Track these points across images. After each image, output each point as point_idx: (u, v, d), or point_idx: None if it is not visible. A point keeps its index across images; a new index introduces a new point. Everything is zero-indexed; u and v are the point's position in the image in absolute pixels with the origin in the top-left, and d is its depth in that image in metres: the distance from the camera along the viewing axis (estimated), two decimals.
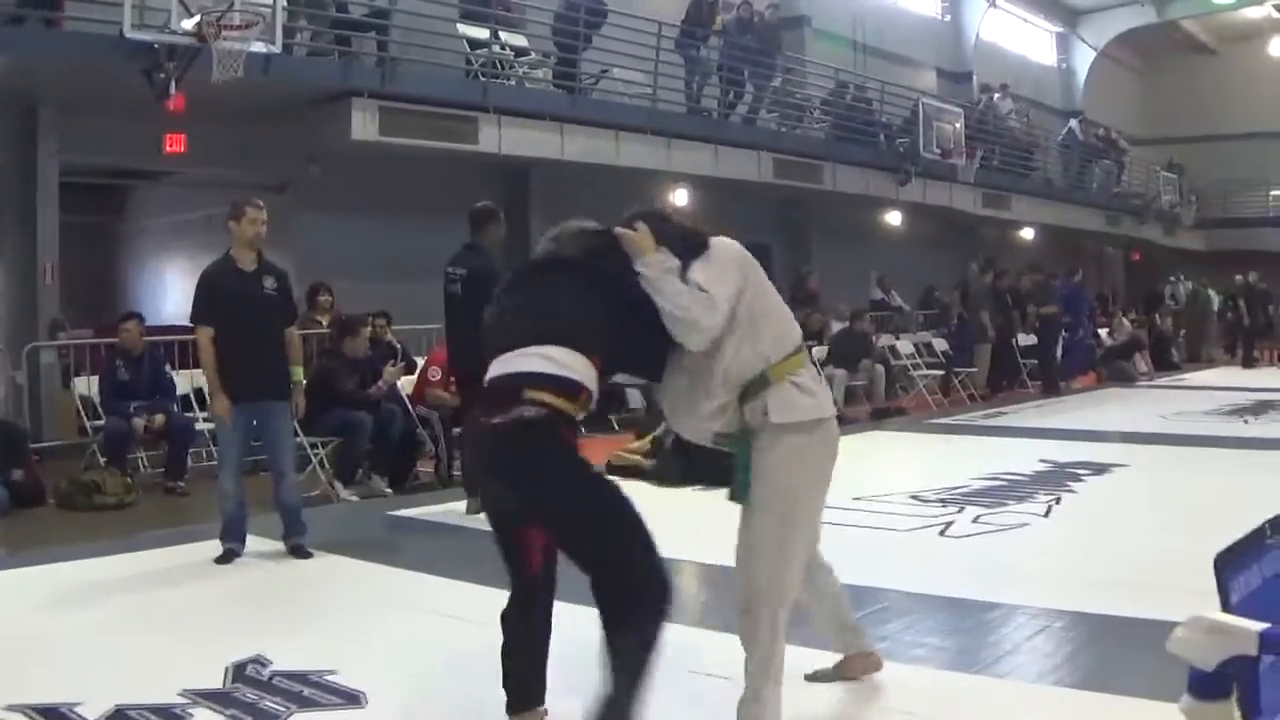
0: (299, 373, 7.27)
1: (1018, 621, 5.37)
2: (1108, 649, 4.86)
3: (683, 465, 9.26)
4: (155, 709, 4.28)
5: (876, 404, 15.88)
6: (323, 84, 12.56)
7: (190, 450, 10.18)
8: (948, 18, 26.47)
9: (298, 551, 7.03)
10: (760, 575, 3.77)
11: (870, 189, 19.93)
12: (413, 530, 8.23)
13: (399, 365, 10.54)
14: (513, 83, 14.57)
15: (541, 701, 3.89)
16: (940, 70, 25.75)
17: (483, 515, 8.04)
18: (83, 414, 10.29)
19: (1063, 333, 18.50)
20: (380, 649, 5.10)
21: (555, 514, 3.57)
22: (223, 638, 5.19)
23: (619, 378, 4.15)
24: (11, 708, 4.25)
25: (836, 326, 16.58)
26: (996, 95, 24.89)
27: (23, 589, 6.36)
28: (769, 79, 18.56)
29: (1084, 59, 31.09)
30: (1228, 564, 2.55)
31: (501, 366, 3.64)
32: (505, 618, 3.84)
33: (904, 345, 17.79)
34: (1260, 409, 14.90)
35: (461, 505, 8.44)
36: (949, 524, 7.70)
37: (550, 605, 3.84)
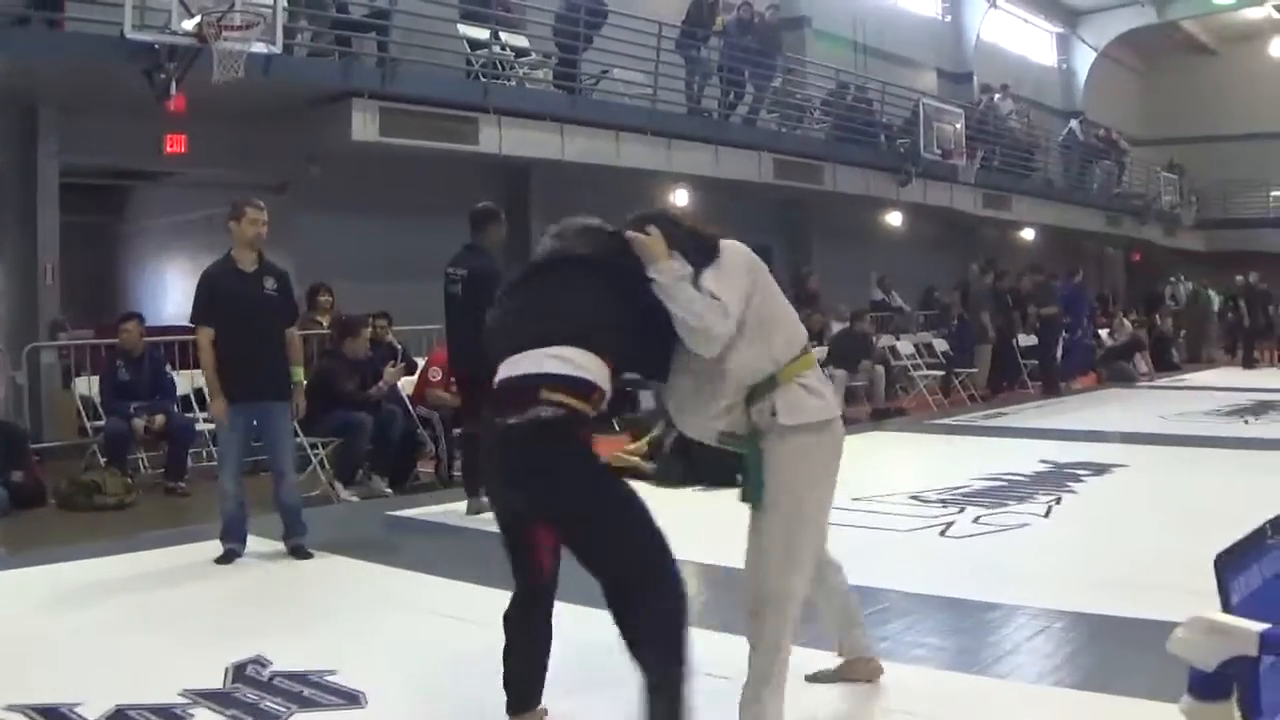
0: (299, 373, 7.27)
1: (1018, 622, 5.37)
2: (1108, 649, 4.86)
3: (683, 466, 9.28)
4: (155, 709, 4.28)
5: (877, 404, 15.88)
6: (323, 84, 12.56)
7: (190, 450, 10.19)
8: (948, 18, 26.47)
9: (298, 552, 7.03)
10: (769, 577, 3.78)
11: (871, 189, 19.94)
12: (413, 531, 8.23)
13: (399, 366, 10.54)
14: (513, 83, 14.57)
15: (540, 701, 3.89)
16: (941, 71, 25.75)
17: (484, 516, 8.06)
18: (83, 414, 10.29)
19: (1063, 333, 18.50)
20: (380, 649, 5.10)
21: (571, 515, 3.55)
22: (223, 638, 5.19)
23: (630, 377, 4.15)
24: (12, 708, 4.25)
25: (837, 327, 16.59)
26: (997, 96, 24.89)
27: (23, 589, 6.36)
28: (769, 79, 18.56)
29: (1084, 59, 31.09)
30: (1228, 564, 2.55)
31: (514, 367, 3.62)
32: (508, 619, 3.83)
33: (904, 346, 17.79)
34: (1260, 409, 14.90)
35: (462, 506, 8.44)
36: (949, 524, 7.70)
37: (551, 606, 3.84)
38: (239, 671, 4.70)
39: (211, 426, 8.36)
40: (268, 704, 4.35)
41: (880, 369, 16.30)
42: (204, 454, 10.32)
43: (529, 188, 15.46)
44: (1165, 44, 32.55)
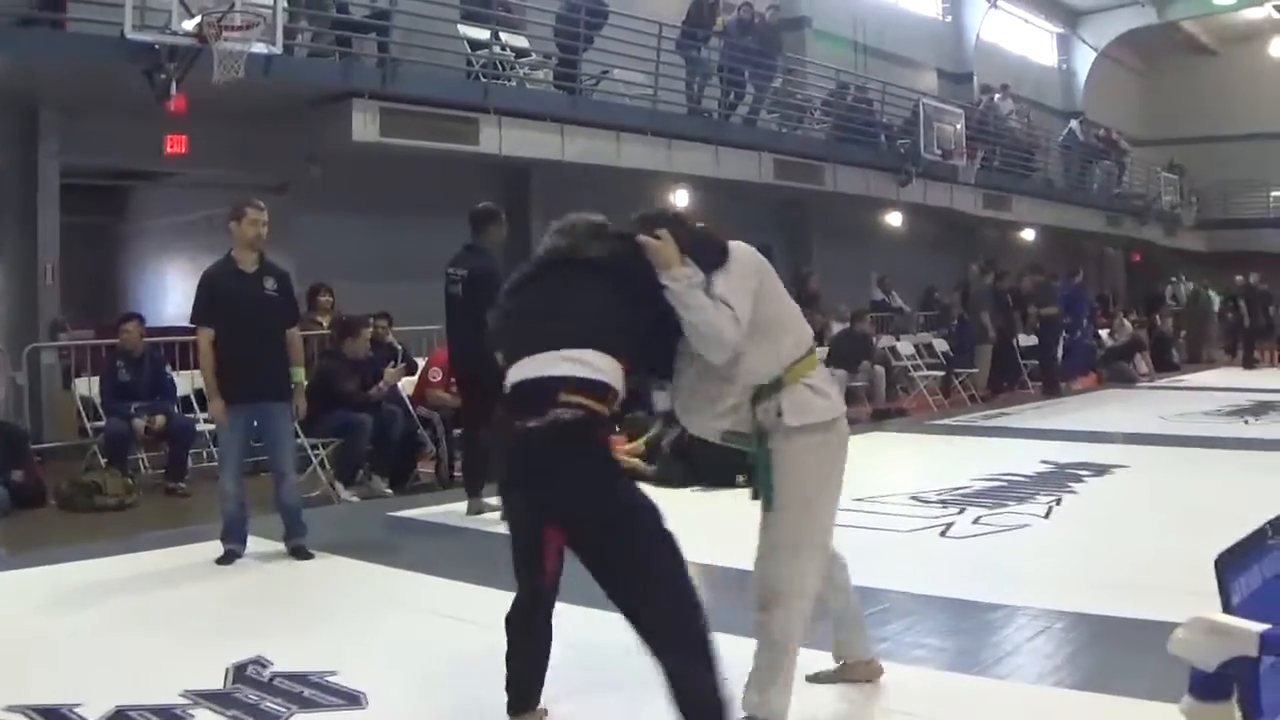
0: (300, 374, 7.26)
1: (1018, 622, 5.37)
2: (1108, 650, 4.86)
3: (683, 467, 9.31)
4: (156, 710, 4.28)
5: (877, 405, 15.88)
6: (323, 85, 12.56)
7: (191, 451, 10.20)
8: (948, 18, 26.48)
9: (298, 552, 7.03)
10: (777, 574, 3.82)
11: (871, 190, 19.94)
12: (413, 531, 8.23)
13: (400, 366, 10.55)
14: (513, 84, 14.57)
15: (540, 701, 3.89)
16: (941, 71, 25.75)
17: (484, 516, 8.07)
18: (83, 415, 10.29)
19: (1063, 334, 18.50)
20: (381, 650, 5.10)
21: (587, 516, 3.53)
22: (223, 639, 5.19)
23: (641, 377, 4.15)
24: (12, 709, 4.25)
25: (837, 327, 16.59)
26: (997, 96, 24.89)
27: (23, 590, 6.36)
28: (769, 80, 18.56)
29: (1084, 60, 31.09)
30: (1228, 565, 2.55)
31: (530, 369, 3.60)
32: (510, 622, 3.83)
33: (904, 346, 17.80)
34: (1261, 410, 14.90)
35: (462, 506, 8.45)
36: (950, 525, 7.70)
37: (553, 608, 3.84)
38: (239, 672, 4.70)
39: (212, 427, 8.35)
40: (268, 704, 4.35)
41: (880, 369, 16.31)
42: (204, 454, 10.32)
43: (529, 188, 15.45)
44: (1165, 44, 32.54)
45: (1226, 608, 2.49)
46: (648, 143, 15.63)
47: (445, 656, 4.97)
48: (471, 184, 13.50)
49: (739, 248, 3.90)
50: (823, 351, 14.83)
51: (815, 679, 4.38)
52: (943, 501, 8.52)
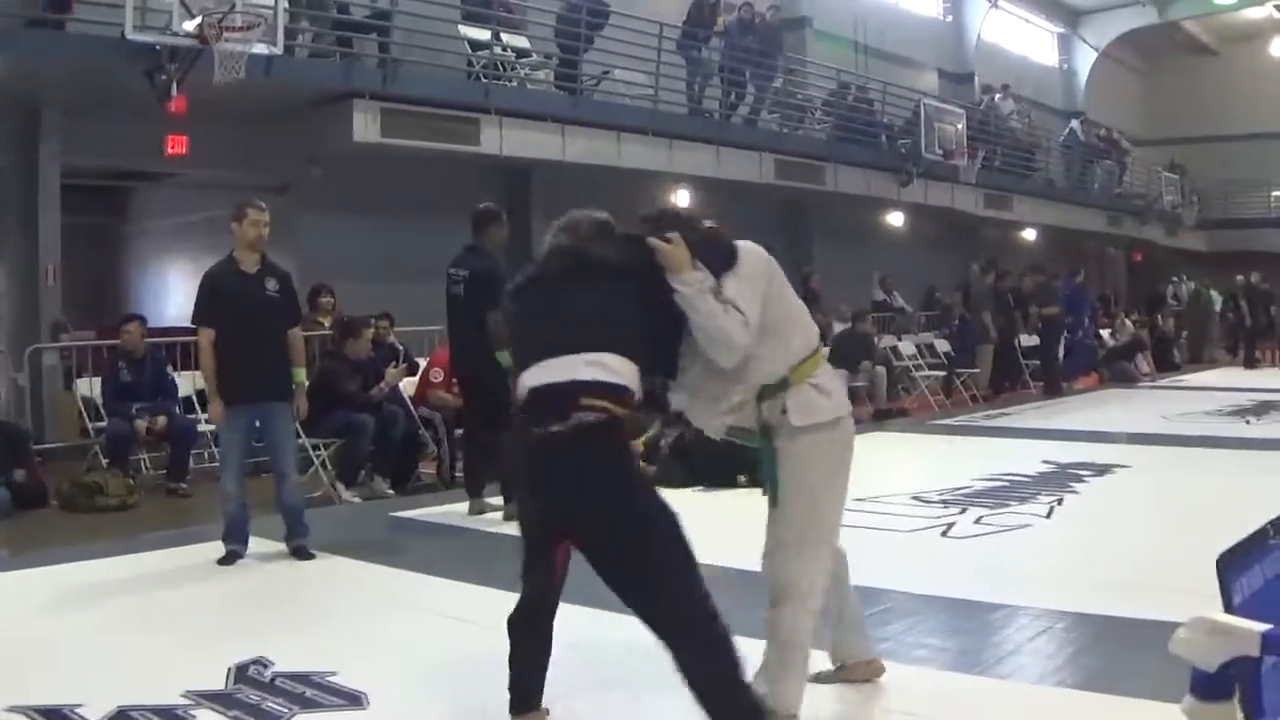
0: (301, 374, 7.25)
1: (1020, 622, 5.37)
2: (1110, 650, 4.86)
3: (683, 468, 9.31)
4: (157, 710, 4.28)
5: (878, 405, 15.87)
6: (324, 85, 12.57)
7: (192, 452, 10.21)
8: (949, 18, 26.48)
9: (300, 553, 7.03)
10: (785, 571, 3.84)
11: (872, 190, 19.95)
12: (415, 531, 8.23)
13: (401, 367, 10.55)
14: (514, 84, 14.57)
15: (541, 702, 3.89)
16: (942, 71, 25.76)
17: (486, 516, 8.07)
18: (85, 415, 10.29)
19: (1065, 333, 18.50)
20: (382, 650, 5.10)
21: (610, 521, 3.50)
22: (225, 639, 5.19)
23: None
24: (13, 709, 4.25)
25: (838, 327, 16.58)
26: (998, 96, 24.89)
27: (25, 590, 6.36)
28: (770, 80, 18.57)
29: (1085, 59, 31.09)
30: (1230, 565, 2.55)
31: (549, 373, 3.58)
32: (514, 625, 3.82)
33: (906, 346, 17.81)
34: (1262, 410, 14.88)
35: (464, 506, 8.46)
36: (951, 525, 7.70)
37: (556, 609, 3.84)
38: (241, 672, 4.70)
39: (213, 427, 8.36)
40: (269, 705, 4.35)
41: (882, 369, 16.30)
42: (206, 455, 10.33)
43: (530, 188, 15.45)
44: (1166, 44, 32.55)
45: (1228, 608, 2.49)
46: (649, 143, 15.63)
47: (447, 657, 4.96)
48: (472, 184, 13.49)
49: (747, 248, 3.90)
50: (824, 352, 14.87)
51: (816, 679, 4.38)
52: (944, 501, 8.52)
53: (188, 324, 7.69)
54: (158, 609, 5.97)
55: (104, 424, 9.93)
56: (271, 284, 7.05)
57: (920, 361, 17.63)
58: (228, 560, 6.88)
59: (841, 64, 20.87)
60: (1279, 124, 30.16)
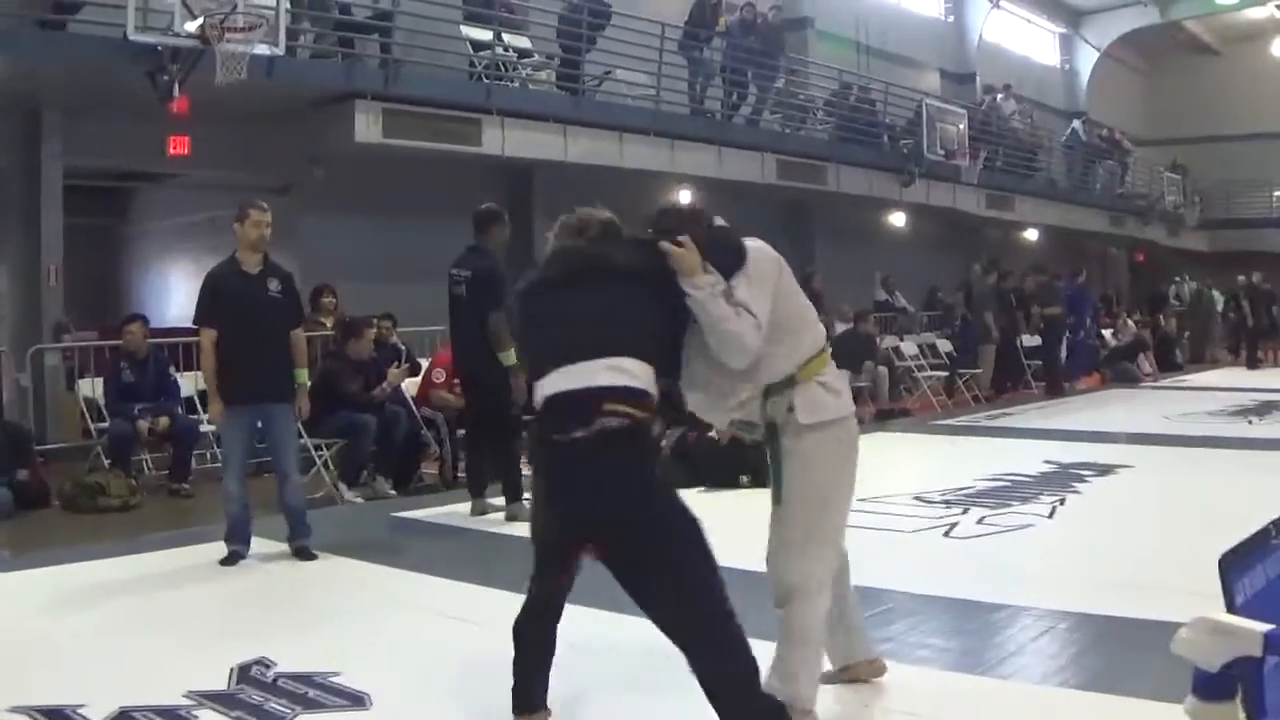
0: (303, 375, 7.26)
1: (1022, 623, 5.37)
2: (1112, 650, 4.85)
3: (685, 469, 9.32)
4: (160, 710, 4.28)
5: (881, 405, 15.87)
6: (326, 86, 12.57)
7: (195, 452, 10.23)
8: (951, 19, 26.48)
9: (302, 553, 7.03)
10: (791, 571, 3.85)
11: (874, 190, 19.94)
12: (417, 532, 8.22)
13: (403, 367, 10.55)
14: (516, 84, 14.57)
15: (545, 704, 3.89)
16: (943, 71, 25.76)
17: (488, 517, 8.07)
18: (87, 416, 10.30)
19: (1067, 334, 18.49)
20: (385, 650, 5.10)
21: (633, 526, 3.47)
22: (227, 639, 5.19)
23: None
24: (16, 709, 4.25)
25: (840, 328, 16.56)
26: (1000, 96, 24.88)
27: (27, 591, 6.37)
28: (772, 80, 18.56)
29: (1087, 60, 31.08)
30: (1232, 565, 2.55)
31: (571, 380, 3.54)
32: (521, 629, 3.82)
33: (908, 346, 17.81)
34: (1264, 410, 14.88)
35: (466, 507, 8.47)
36: (953, 525, 7.70)
37: (562, 611, 3.84)
38: (243, 673, 4.70)
39: (215, 428, 8.36)
40: (272, 705, 4.35)
41: (884, 370, 16.30)
42: (208, 455, 10.34)
43: (532, 189, 15.43)
44: (1168, 44, 32.54)
45: (1230, 608, 2.49)
46: (651, 143, 15.63)
47: (449, 657, 4.96)
48: (474, 185, 13.49)
49: (756, 247, 3.90)
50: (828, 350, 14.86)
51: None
52: (946, 501, 8.52)
53: (190, 324, 7.70)
54: (160, 609, 5.97)
55: (106, 424, 9.93)
56: (274, 284, 7.06)
57: (922, 362, 17.63)
58: (230, 561, 6.89)
59: (843, 64, 20.88)
60: None
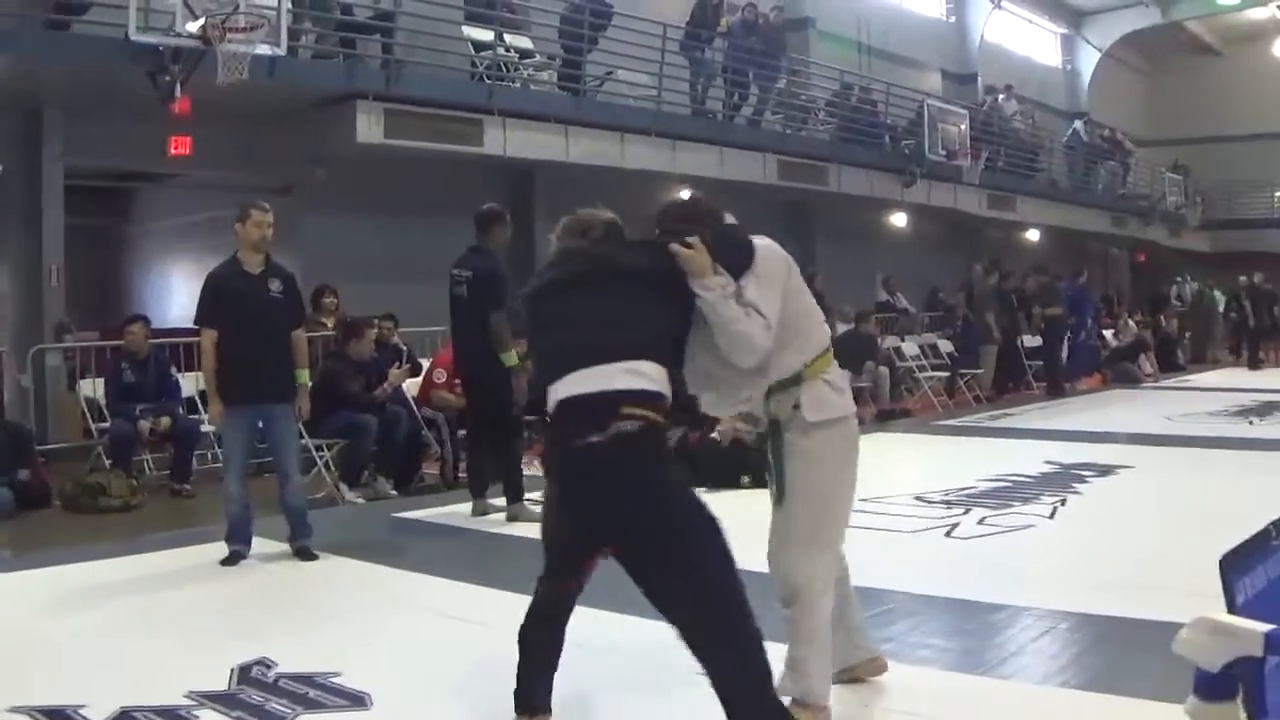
0: (304, 375, 7.25)
1: (1023, 623, 5.37)
2: (1113, 650, 4.85)
3: (687, 469, 9.26)
4: (160, 711, 4.29)
5: (882, 405, 15.87)
6: (328, 86, 12.58)
7: (196, 452, 10.22)
8: (952, 19, 26.48)
9: (303, 553, 7.04)
10: (796, 571, 3.87)
11: (875, 190, 19.94)
12: (418, 532, 8.22)
13: (404, 368, 10.55)
14: (518, 85, 14.56)
15: (549, 708, 3.86)
16: (945, 72, 25.75)
17: (489, 517, 8.07)
18: (88, 416, 10.31)
19: (1068, 334, 18.49)
20: (385, 651, 5.10)
21: (651, 528, 3.45)
22: (228, 640, 5.20)
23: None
24: (16, 710, 4.25)
25: (842, 328, 16.55)
26: (1001, 96, 24.87)
27: (28, 591, 6.37)
28: (774, 81, 18.56)
29: (1089, 60, 31.07)
30: (1233, 565, 2.55)
31: (585, 383, 3.50)
32: (526, 632, 3.80)
33: (909, 347, 17.81)
34: (1266, 410, 14.87)
35: (467, 507, 8.47)
36: (954, 525, 7.70)
37: (570, 613, 3.82)
38: (244, 673, 4.70)
39: (216, 428, 8.36)
40: (273, 705, 4.36)
41: (885, 370, 16.30)
42: (209, 456, 10.34)
43: (533, 189, 15.42)
44: (1170, 44, 32.53)
45: (1231, 608, 2.49)
46: (652, 144, 15.62)
47: (450, 657, 4.96)
48: (476, 185, 13.48)
49: (765, 246, 3.91)
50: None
51: None
52: (947, 502, 8.52)
53: (191, 325, 7.70)
54: (161, 609, 5.97)
55: (107, 425, 9.93)
56: (275, 285, 7.06)
57: (924, 362, 17.62)
58: (231, 561, 6.89)
59: (845, 65, 20.88)
60: None
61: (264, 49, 10.58)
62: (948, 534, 7.48)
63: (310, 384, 7.50)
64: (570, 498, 3.60)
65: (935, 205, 21.26)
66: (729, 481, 8.77)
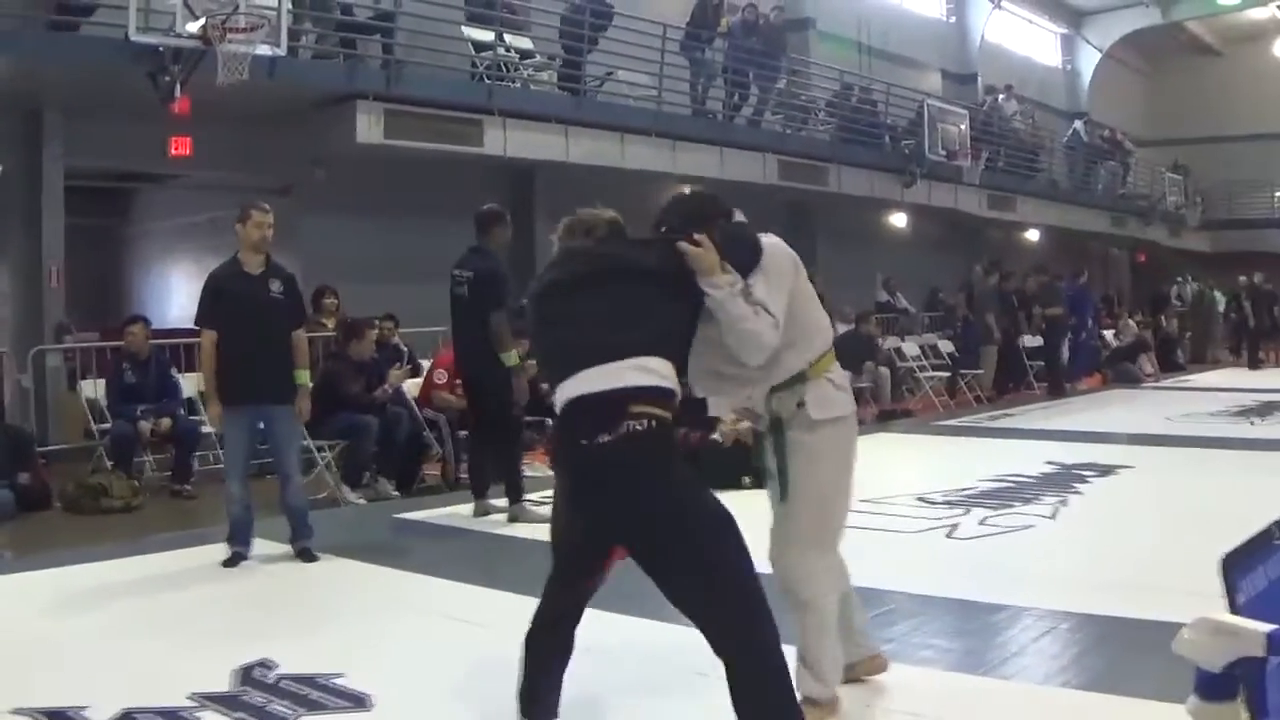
0: (305, 376, 7.23)
1: (1024, 623, 5.37)
2: (1114, 651, 4.86)
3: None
4: (162, 712, 4.29)
5: (882, 406, 15.87)
6: (328, 87, 12.58)
7: (197, 453, 10.21)
8: (952, 19, 26.49)
9: (304, 555, 7.03)
10: (799, 567, 3.90)
11: (875, 191, 19.94)
12: (419, 533, 8.22)
13: (404, 368, 10.55)
14: (518, 85, 14.56)
15: (556, 713, 3.81)
16: (945, 72, 25.75)
17: (491, 518, 8.07)
18: (89, 417, 10.30)
19: (1068, 334, 18.49)
20: (387, 652, 5.10)
21: (665, 526, 3.42)
22: (229, 641, 5.20)
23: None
24: (18, 711, 4.25)
25: (841, 329, 16.55)
26: (1001, 97, 24.87)
27: (29, 592, 6.37)
28: (774, 81, 18.56)
29: (1089, 60, 31.08)
30: (1234, 565, 2.55)
31: (593, 382, 3.47)
32: (535, 639, 3.73)
33: (910, 347, 17.81)
34: (1266, 410, 14.87)
35: (468, 508, 8.47)
36: (955, 526, 7.70)
37: (580, 618, 3.77)
38: (246, 674, 4.70)
39: (215, 429, 8.35)
40: (275, 707, 4.36)
41: (886, 370, 16.29)
42: (210, 457, 10.32)
43: (534, 189, 15.42)
44: (1170, 45, 32.54)
45: (1232, 608, 2.49)
46: (652, 144, 15.62)
47: (452, 658, 4.97)
48: (476, 186, 13.49)
49: (772, 244, 3.91)
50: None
51: None
52: (948, 502, 8.52)
53: (191, 325, 7.70)
54: (162, 611, 5.97)
55: (108, 426, 9.92)
56: (275, 285, 7.05)
57: (924, 362, 17.62)
58: (232, 562, 6.89)
59: (845, 65, 20.89)
60: None
61: (264, 49, 10.57)
62: (949, 534, 7.48)
63: (311, 385, 7.48)
64: (581, 498, 3.57)
65: (935, 205, 21.26)
66: (730, 482, 8.75)
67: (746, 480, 8.58)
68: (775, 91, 18.66)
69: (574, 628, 3.76)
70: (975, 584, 6.04)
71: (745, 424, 4.49)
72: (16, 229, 11.79)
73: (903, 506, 8.33)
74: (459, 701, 4.44)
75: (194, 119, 11.47)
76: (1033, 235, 25.81)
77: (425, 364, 11.12)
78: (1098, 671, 4.61)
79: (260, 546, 7.08)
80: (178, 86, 10.49)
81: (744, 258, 3.78)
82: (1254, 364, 23.27)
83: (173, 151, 12.44)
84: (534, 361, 8.50)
